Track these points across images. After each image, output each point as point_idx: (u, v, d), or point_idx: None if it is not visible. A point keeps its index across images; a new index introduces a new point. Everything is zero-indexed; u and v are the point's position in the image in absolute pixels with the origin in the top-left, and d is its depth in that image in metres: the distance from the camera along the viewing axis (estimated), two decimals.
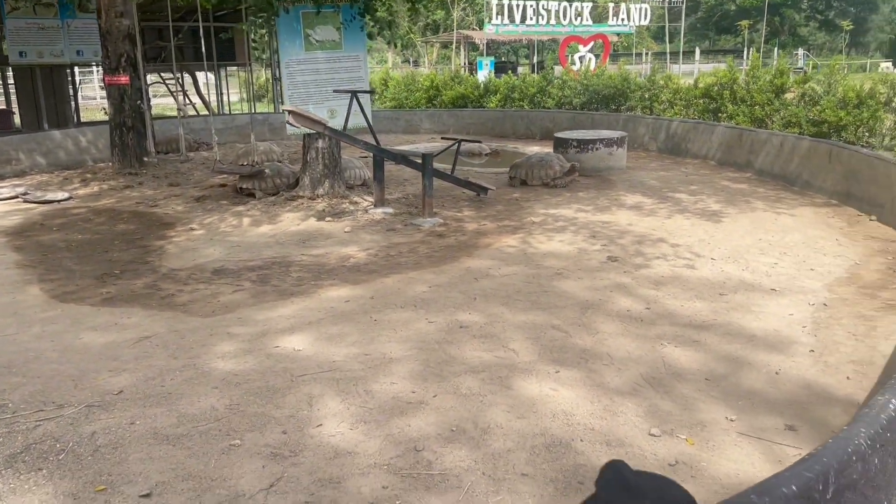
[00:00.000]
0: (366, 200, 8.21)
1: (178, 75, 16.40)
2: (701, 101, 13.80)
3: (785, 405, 3.41)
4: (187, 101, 16.80)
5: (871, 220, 7.08)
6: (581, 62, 31.69)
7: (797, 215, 7.34)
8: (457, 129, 15.25)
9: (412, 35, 52.91)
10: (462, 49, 46.01)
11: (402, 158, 8.11)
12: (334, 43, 7.86)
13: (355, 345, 4.17)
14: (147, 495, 2.75)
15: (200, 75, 19.79)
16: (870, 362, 3.86)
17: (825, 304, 4.77)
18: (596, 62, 33.86)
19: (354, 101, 7.75)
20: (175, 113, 14.74)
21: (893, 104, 11.38)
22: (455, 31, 43.04)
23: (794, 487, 1.80)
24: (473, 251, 6.19)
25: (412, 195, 8.58)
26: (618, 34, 42.61)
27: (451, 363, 3.87)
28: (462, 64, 44.86)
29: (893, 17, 59.15)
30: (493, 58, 40.17)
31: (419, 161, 7.53)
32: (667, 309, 4.70)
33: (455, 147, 8.30)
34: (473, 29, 44.17)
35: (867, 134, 11.80)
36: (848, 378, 3.69)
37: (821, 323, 4.44)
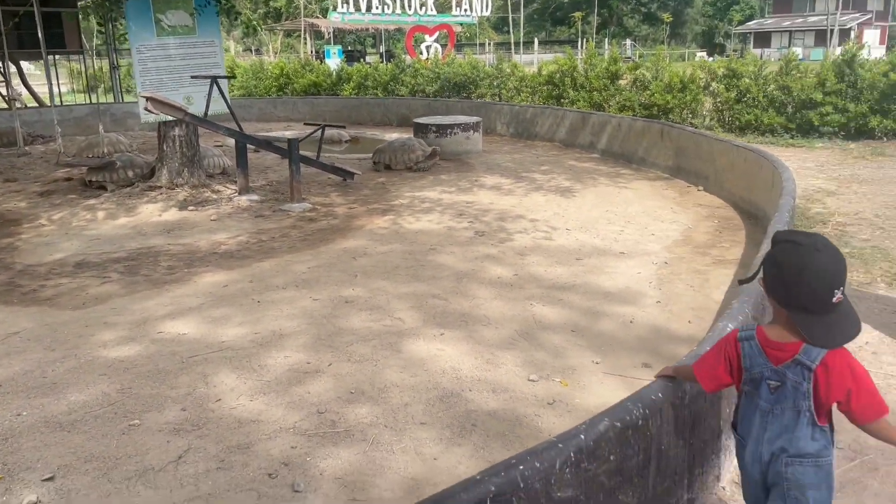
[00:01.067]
0: (229, 188, 8.10)
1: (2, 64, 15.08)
2: (545, 87, 14.68)
3: (640, 347, 3.90)
4: (17, 93, 15.49)
5: (698, 190, 7.97)
6: (428, 51, 32.31)
7: (637, 189, 8.11)
8: (312, 116, 15.15)
9: (256, 23, 51.39)
10: (308, 37, 45.28)
11: (267, 144, 8.08)
12: (188, 28, 7.66)
13: (242, 325, 4.23)
14: (50, 478, 2.73)
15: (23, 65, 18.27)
16: (705, 308, 4.47)
17: (666, 263, 5.40)
18: (442, 51, 34.67)
19: (214, 86, 7.62)
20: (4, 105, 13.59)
21: (710, 88, 12.72)
22: (302, 18, 42.37)
23: (660, 395, 2.17)
24: (347, 233, 6.36)
25: (276, 182, 8.56)
26: (461, 24, 43.80)
27: (341, 334, 4.05)
28: (309, 52, 44.20)
29: (706, 11, 64.86)
30: (339, 46, 39.99)
31: (284, 147, 7.54)
32: (532, 274, 5.13)
33: (319, 133, 8.36)
34: (318, 17, 43.66)
35: (691, 115, 13.12)
36: (689, 322, 4.25)
37: (664, 279, 5.04)
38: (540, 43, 65.23)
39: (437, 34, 35.80)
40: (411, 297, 4.64)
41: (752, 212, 6.62)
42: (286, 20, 51.16)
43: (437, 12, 39.43)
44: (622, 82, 13.97)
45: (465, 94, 16.04)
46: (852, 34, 45.70)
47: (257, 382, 3.50)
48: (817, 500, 1.87)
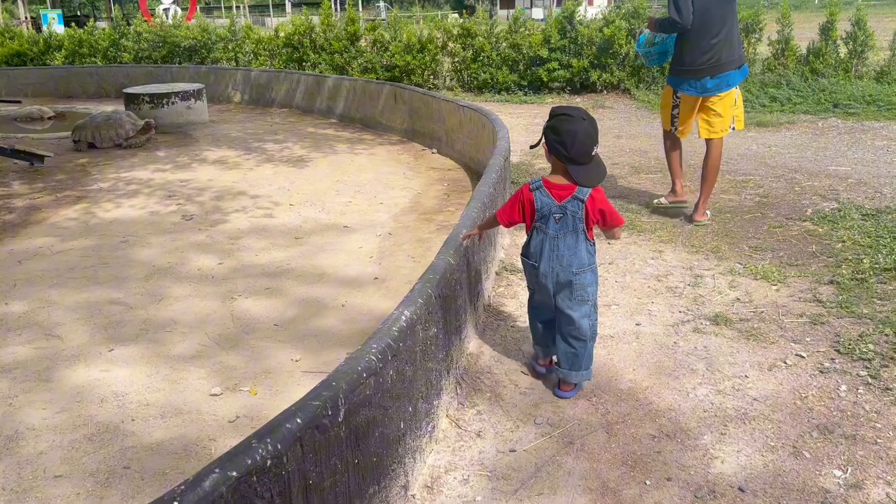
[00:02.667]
0: None
1: None
2: (285, 50, 13.88)
3: (349, 336, 3.53)
4: None
5: (432, 153, 7.84)
6: (167, 15, 29.60)
7: (373, 154, 7.79)
8: (11, 91, 13.00)
9: None
10: (21, 1, 39.52)
11: None
12: None
13: None
14: None
15: None
16: None
17: (390, 234, 5.11)
18: (182, 15, 32.01)
19: None
20: None
21: (448, 48, 12.78)
22: None
23: (298, 421, 1.77)
24: (20, 230, 5.28)
25: None
26: None
27: None
28: (24, 18, 38.62)
29: None
30: (60, 11, 35.34)
31: None
32: (242, 262, 4.56)
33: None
34: None
35: (432, 76, 13.13)
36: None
37: (385, 251, 4.74)
38: (293, 4, 63.05)
39: None
40: (83, 306, 3.86)
41: (480, 171, 6.55)
42: None
43: None
44: (362, 43, 13.61)
45: (198, 60, 14.72)
46: None
47: None
48: (593, 293, 2.78)
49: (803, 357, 3.16)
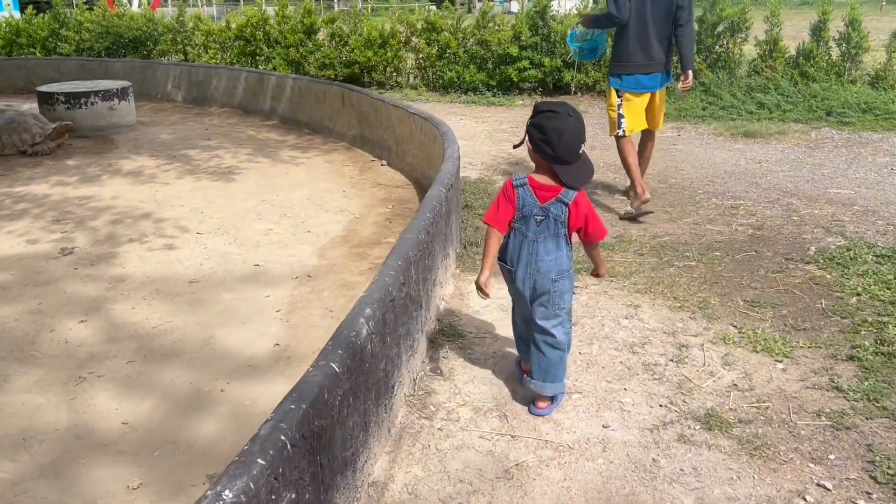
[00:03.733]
0: None
1: None
2: (237, 43, 12.84)
3: (218, 445, 2.61)
4: None
5: (381, 164, 6.91)
6: (132, 4, 28.30)
7: (313, 166, 6.85)
8: None
9: None
10: None
11: None
12: None
13: None
14: None
15: None
16: None
17: (309, 276, 4.19)
18: (146, 4, 30.74)
19: None
20: None
21: (412, 44, 11.83)
22: None
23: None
24: None
25: None
26: None
27: None
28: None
29: None
30: None
31: None
32: (110, 321, 3.61)
33: None
34: None
35: (395, 73, 12.17)
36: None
37: (298, 303, 3.82)
38: None
39: None
40: None
41: None
42: None
43: None
44: (320, 37, 12.62)
45: (144, 53, 13.63)
46: None
47: None
48: (568, 301, 2.68)
49: (829, 490, 2.31)
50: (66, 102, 7.86)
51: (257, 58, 12.74)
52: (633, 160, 5.11)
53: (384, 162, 6.93)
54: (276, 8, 12.81)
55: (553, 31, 10.67)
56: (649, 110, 5.14)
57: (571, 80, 10.61)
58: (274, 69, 12.34)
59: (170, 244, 4.68)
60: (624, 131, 5.09)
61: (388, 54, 11.74)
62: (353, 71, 12.05)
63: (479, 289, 2.61)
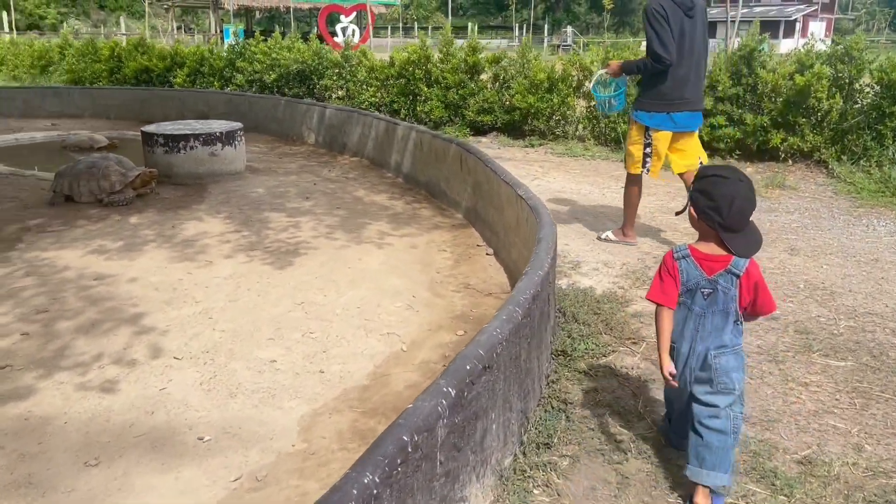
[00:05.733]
0: None
1: None
2: (398, 81, 11.84)
3: None
4: None
5: (487, 254, 5.23)
6: (344, 34, 29.18)
7: (398, 249, 5.32)
8: (93, 111, 12.07)
9: None
10: (211, 15, 41.61)
11: None
12: None
13: None
14: None
15: None
16: None
17: (263, 476, 2.62)
18: (359, 35, 31.62)
19: None
20: None
21: (584, 89, 10.03)
22: None
23: None
24: None
25: None
26: (385, 5, 40.61)
27: None
28: (213, 32, 40.54)
29: None
30: (242, 26, 36.47)
31: None
32: None
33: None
34: None
35: (563, 122, 10.44)
36: None
37: None
38: (479, 29, 62.11)
39: (353, 15, 32.62)
40: None
41: None
42: None
43: None
44: (484, 78, 11.23)
45: (308, 86, 13.08)
46: (798, 26, 44.04)
47: None
48: (738, 380, 2.39)
49: None
50: (164, 145, 7.07)
51: (417, 98, 11.63)
52: (636, 200, 5.13)
53: (490, 251, 5.24)
54: (441, 43, 11.64)
55: (761, 81, 8.36)
56: (687, 150, 5.00)
57: (781, 143, 8.21)
58: (429, 112, 11.14)
59: (116, 378, 3.33)
60: (648, 170, 4.97)
61: (555, 100, 10.04)
62: (513, 118, 10.49)
63: (668, 379, 2.44)
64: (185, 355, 3.56)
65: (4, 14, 35.64)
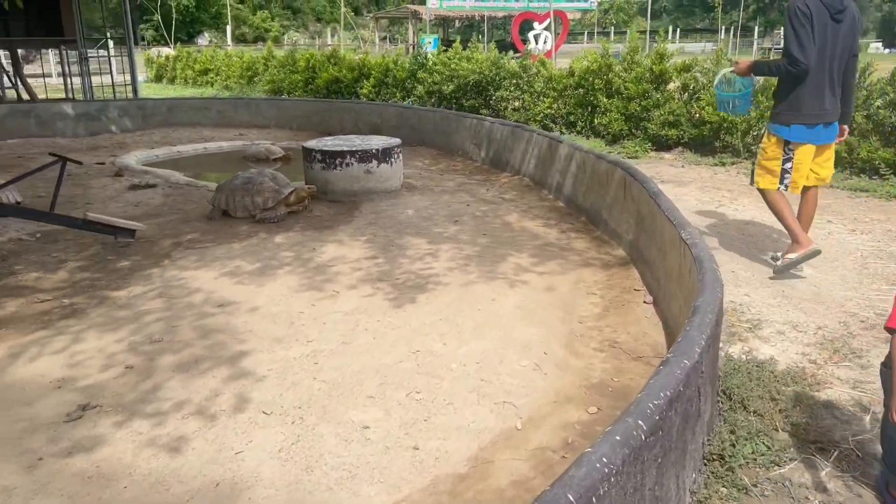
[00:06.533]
0: None
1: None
2: (576, 92, 11.14)
3: None
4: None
5: (645, 301, 4.43)
6: (537, 41, 28.86)
7: (534, 290, 4.67)
8: (278, 122, 12.52)
9: (344, 9, 49.64)
10: (410, 26, 43.06)
11: None
12: None
13: None
14: None
15: None
16: None
17: None
18: (552, 41, 31.14)
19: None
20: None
21: None
22: (405, 5, 40.35)
23: None
24: None
25: (10, 240, 5.83)
26: (580, 10, 39.70)
27: None
28: (410, 42, 41.92)
29: None
30: (437, 35, 37.27)
31: None
32: None
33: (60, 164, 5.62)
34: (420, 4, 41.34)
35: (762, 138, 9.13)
36: None
37: None
38: (681, 32, 58.62)
39: (547, 21, 32.14)
40: None
41: None
42: (393, 8, 49.00)
43: None
44: (671, 87, 10.18)
45: (484, 97, 12.73)
46: None
47: None
48: None
49: None
50: (321, 161, 6.96)
51: (595, 110, 10.84)
52: (788, 210, 4.71)
53: (649, 299, 4.43)
54: (627, 48, 10.76)
55: None
56: (821, 163, 4.70)
57: None
58: (607, 124, 10.32)
59: (193, 434, 3.03)
60: (787, 186, 4.70)
61: (753, 113, 8.81)
62: (702, 132, 9.37)
63: None
64: (274, 410, 3.20)
65: (228, 28, 39.54)
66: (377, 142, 7.29)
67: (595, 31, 58.32)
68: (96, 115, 11.84)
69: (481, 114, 11.86)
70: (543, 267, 5.11)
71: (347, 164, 6.91)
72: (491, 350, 3.78)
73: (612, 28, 61.21)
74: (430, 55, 13.98)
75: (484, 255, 5.35)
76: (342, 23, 50.99)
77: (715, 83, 5.25)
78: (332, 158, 6.91)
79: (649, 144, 9.88)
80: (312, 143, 7.23)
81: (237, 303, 4.49)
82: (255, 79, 20.34)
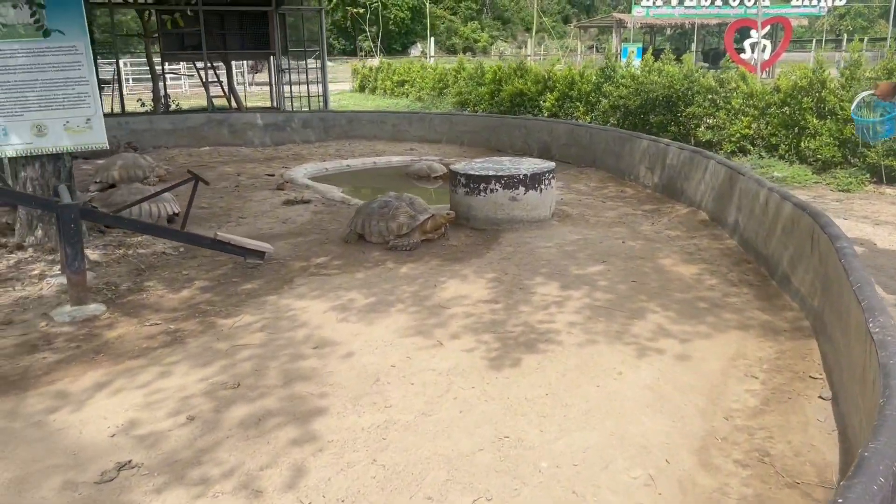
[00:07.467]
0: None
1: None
2: (781, 110, 9.69)
3: None
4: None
5: (821, 397, 3.41)
6: (753, 50, 26.60)
7: (672, 364, 3.78)
8: (449, 137, 12.23)
9: (543, 19, 48.65)
10: (613, 35, 41.64)
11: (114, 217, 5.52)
12: (28, 28, 5.40)
13: None
14: None
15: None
16: None
17: None
18: (771, 50, 28.58)
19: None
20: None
21: None
22: (613, 14, 39.17)
23: None
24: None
25: (154, 253, 5.92)
26: (807, 17, 36.03)
27: None
28: (613, 51, 40.45)
29: None
30: (640, 44, 35.52)
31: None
32: None
33: (192, 183, 5.59)
34: (625, 12, 39.71)
35: None
36: None
37: None
38: None
39: (767, 29, 29.46)
40: None
41: None
42: (598, 16, 47.63)
43: (772, 3, 33.13)
44: None
45: (674, 114, 11.54)
46: None
47: None
48: None
49: None
50: (465, 186, 6.47)
51: (803, 134, 9.33)
52: None
53: (828, 395, 3.40)
54: (845, 60, 9.15)
55: None
56: None
57: None
58: (816, 150, 8.83)
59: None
60: None
61: None
62: None
63: None
64: (314, 500, 2.72)
65: (432, 39, 40.77)
66: (527, 165, 6.65)
67: (823, 38, 52.64)
68: (282, 125, 12.36)
69: (669, 131, 10.75)
70: (692, 329, 4.20)
71: (492, 190, 6.35)
72: (597, 448, 3.02)
73: (846, 35, 54.96)
74: (633, 66, 13.00)
75: (618, 308, 4.53)
76: (551, 33, 50.56)
77: (853, 107, 5.03)
78: (475, 183, 6.39)
79: (868, 175, 8.28)
80: (459, 166, 6.77)
81: (335, 344, 4.11)
82: (445, 90, 20.46)
